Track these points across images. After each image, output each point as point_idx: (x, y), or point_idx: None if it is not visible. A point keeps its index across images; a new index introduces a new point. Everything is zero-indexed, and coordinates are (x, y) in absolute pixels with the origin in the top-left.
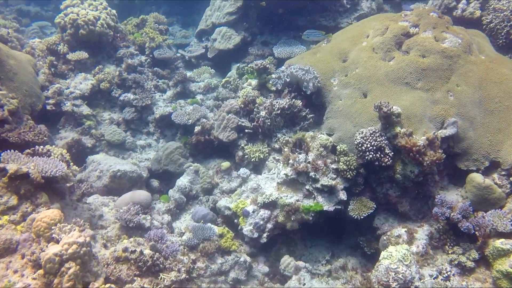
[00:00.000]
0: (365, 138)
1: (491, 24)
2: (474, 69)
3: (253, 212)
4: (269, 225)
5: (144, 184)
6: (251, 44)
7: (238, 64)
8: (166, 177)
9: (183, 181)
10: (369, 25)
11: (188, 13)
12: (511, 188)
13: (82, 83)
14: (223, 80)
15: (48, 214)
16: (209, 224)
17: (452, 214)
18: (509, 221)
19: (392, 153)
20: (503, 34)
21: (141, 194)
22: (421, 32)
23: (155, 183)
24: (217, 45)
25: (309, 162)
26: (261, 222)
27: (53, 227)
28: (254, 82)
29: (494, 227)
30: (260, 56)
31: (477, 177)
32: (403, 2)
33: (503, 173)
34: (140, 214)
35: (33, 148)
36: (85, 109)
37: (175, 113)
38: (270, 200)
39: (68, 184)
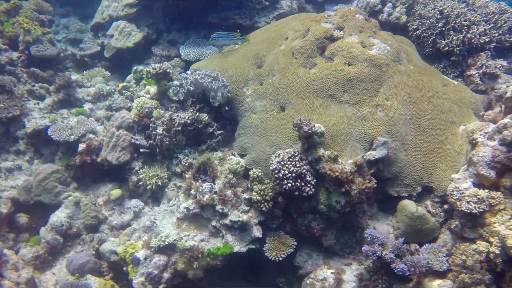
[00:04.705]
0: (282, 163)
1: (418, 31)
2: (404, 80)
3: (146, 258)
4: (166, 275)
5: (5, 222)
6: (156, 43)
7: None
8: (40, 209)
9: (59, 216)
10: (289, 26)
11: (88, 3)
12: (445, 217)
13: None
14: (120, 85)
15: None
16: (86, 279)
17: (384, 252)
18: (445, 257)
19: (315, 180)
20: (429, 42)
21: None
22: (346, 36)
23: (23, 219)
24: (114, 42)
25: (215, 193)
26: (156, 272)
27: None
28: (153, 89)
29: (429, 265)
30: (166, 58)
31: (409, 205)
32: (327, 2)
33: (437, 199)
34: None
35: None
36: None
37: (53, 127)
38: (167, 242)
39: None
